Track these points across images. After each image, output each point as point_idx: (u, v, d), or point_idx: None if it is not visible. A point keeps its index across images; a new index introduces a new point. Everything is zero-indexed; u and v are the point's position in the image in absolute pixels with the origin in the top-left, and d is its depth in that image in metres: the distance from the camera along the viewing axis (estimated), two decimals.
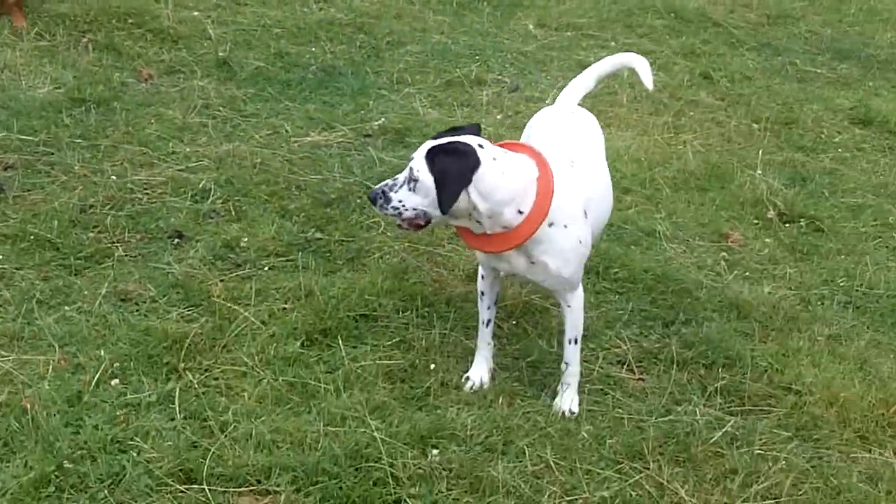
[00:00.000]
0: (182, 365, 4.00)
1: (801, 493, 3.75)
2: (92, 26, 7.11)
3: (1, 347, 4.02)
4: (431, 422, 3.81)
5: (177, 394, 3.82)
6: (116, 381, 3.87)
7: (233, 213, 5.13)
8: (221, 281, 4.56)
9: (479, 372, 4.15)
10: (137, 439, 3.57)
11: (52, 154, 5.46)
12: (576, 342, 4.03)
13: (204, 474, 3.43)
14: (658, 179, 6.02)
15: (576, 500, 3.58)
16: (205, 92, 6.48)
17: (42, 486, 3.33)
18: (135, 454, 3.51)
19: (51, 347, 4.03)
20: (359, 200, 5.37)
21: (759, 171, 6.27)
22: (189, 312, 4.35)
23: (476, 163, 3.59)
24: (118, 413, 3.69)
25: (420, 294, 4.59)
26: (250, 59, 7.02)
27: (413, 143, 6.03)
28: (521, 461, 3.71)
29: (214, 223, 5.04)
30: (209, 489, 3.39)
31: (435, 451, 3.68)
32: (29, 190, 5.13)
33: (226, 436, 3.64)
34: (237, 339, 4.20)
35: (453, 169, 3.56)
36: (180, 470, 3.46)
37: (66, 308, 4.29)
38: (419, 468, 3.58)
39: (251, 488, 3.46)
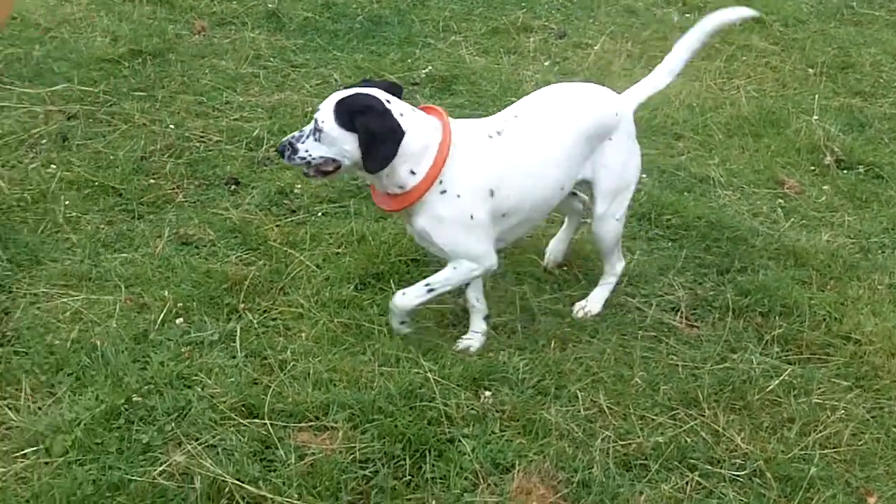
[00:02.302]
0: (242, 306, 4.13)
1: (860, 443, 3.76)
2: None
3: (70, 288, 4.17)
4: (483, 364, 3.90)
5: (238, 333, 3.95)
6: (181, 320, 4.01)
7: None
8: (277, 226, 4.67)
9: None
10: (201, 375, 3.70)
11: (113, 104, 5.59)
12: (429, 290, 3.91)
13: (265, 410, 3.56)
14: (711, 125, 6.02)
15: (629, 444, 3.63)
16: (256, 43, 6.59)
17: (112, 417, 3.49)
18: (199, 389, 3.64)
19: (117, 288, 4.17)
20: None
21: (816, 117, 6.22)
22: (247, 256, 4.48)
23: (395, 121, 3.61)
24: (183, 350, 3.83)
25: None
26: (298, 10, 7.10)
27: (460, 91, 6.13)
28: (573, 405, 3.77)
29: (269, 170, 5.16)
30: (270, 423, 3.52)
31: (487, 393, 3.78)
32: (91, 139, 5.27)
33: (285, 374, 3.76)
34: (293, 281, 4.32)
35: (381, 129, 3.59)
36: (242, 405, 3.59)
37: (131, 251, 4.44)
38: (472, 409, 3.68)
39: (310, 424, 3.58)
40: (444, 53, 6.69)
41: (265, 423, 3.52)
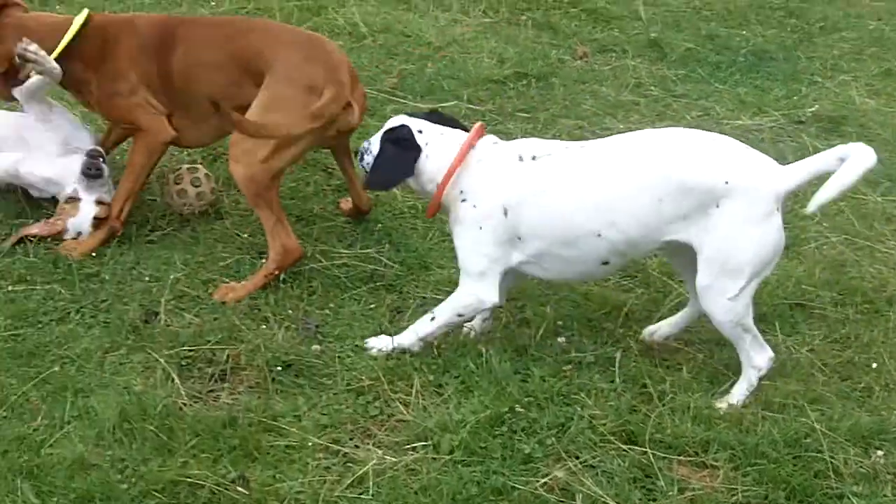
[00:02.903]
0: (620, 331, 4.16)
1: None
2: (531, 5, 7.44)
3: None
4: (874, 422, 3.72)
5: (617, 358, 3.97)
6: (562, 339, 4.09)
7: None
8: (656, 255, 4.67)
9: None
10: (581, 395, 3.75)
11: (498, 123, 5.80)
12: (432, 319, 3.98)
13: (645, 438, 3.56)
14: None
15: None
16: (636, 71, 6.63)
17: (496, 424, 3.60)
18: (579, 408, 3.69)
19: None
20: None
21: None
22: (625, 282, 4.51)
23: (415, 155, 3.93)
24: (563, 368, 3.90)
25: (859, 289, 4.50)
26: (679, 40, 7.07)
27: (849, 133, 5.89)
28: None
29: None
30: (652, 452, 3.52)
31: (879, 452, 3.61)
32: None
33: (664, 404, 3.75)
34: (670, 312, 4.29)
35: (393, 159, 3.96)
36: (622, 430, 3.61)
37: None
38: (861, 467, 3.53)
39: (689, 458, 3.55)
40: (831, 93, 6.46)
41: (645, 452, 3.52)
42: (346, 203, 4.93)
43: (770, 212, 3.64)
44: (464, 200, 3.89)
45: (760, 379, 3.84)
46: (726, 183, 3.60)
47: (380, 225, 4.84)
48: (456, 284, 4.23)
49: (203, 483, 3.33)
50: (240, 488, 3.32)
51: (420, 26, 6.96)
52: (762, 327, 4.17)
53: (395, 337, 4.00)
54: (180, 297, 4.27)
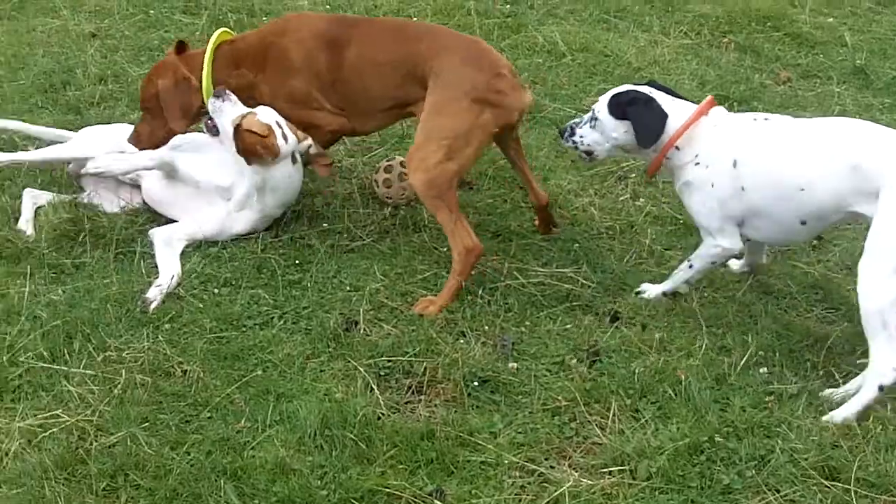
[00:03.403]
0: (823, 364, 4.03)
1: None
2: (733, 27, 7.34)
3: (653, 318, 4.32)
4: None
5: (817, 392, 3.87)
6: (764, 369, 3.99)
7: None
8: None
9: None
10: (783, 428, 3.66)
11: None
12: (690, 266, 4.39)
13: (850, 475, 3.44)
14: None
15: None
16: (841, 98, 6.44)
17: (695, 453, 3.54)
18: (780, 441, 3.60)
19: (699, 325, 4.25)
20: None
21: None
22: (829, 315, 4.37)
23: (660, 105, 4.27)
24: (765, 399, 3.81)
25: None
26: (886, 68, 6.83)
27: None
28: None
29: (852, 230, 4.99)
30: (854, 490, 3.40)
31: None
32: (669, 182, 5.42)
33: (868, 441, 3.61)
34: None
35: (647, 113, 4.27)
36: (824, 465, 3.50)
37: (710, 291, 4.53)
38: None
39: (893, 498, 3.41)
40: None
41: (848, 489, 3.40)
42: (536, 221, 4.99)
43: None
44: (697, 164, 4.21)
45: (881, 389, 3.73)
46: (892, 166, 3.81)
47: (577, 245, 4.84)
48: (655, 307, 4.24)
49: (401, 494, 3.39)
50: (437, 501, 3.37)
51: (620, 46, 6.95)
52: None
53: (661, 285, 4.46)
54: (379, 307, 4.36)
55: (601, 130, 4.38)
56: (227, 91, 4.72)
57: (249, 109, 4.70)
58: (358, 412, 3.69)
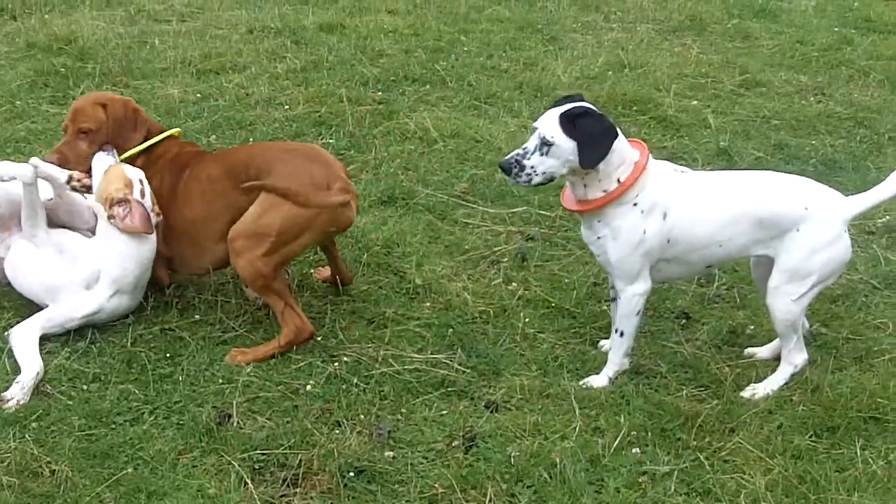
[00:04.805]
0: (694, 442, 4.11)
1: None
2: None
3: (527, 402, 4.35)
4: None
5: (689, 470, 3.94)
6: (636, 449, 4.04)
7: (737, 299, 5.21)
8: (728, 366, 4.64)
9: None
10: None
11: (568, 230, 5.84)
12: (621, 335, 4.43)
13: None
14: None
15: None
16: None
17: None
18: None
19: (571, 408, 4.29)
20: (864, 299, 5.27)
21: None
22: (699, 392, 4.47)
23: (610, 122, 4.18)
24: (639, 479, 3.86)
25: None
26: (749, 149, 7.08)
27: None
28: None
29: (719, 307, 5.15)
30: None
31: None
32: (548, 261, 5.53)
33: None
34: (743, 423, 4.24)
35: (598, 129, 4.13)
36: None
37: (583, 373, 4.57)
38: None
39: None
40: None
41: None
42: (324, 271, 5.16)
43: (839, 234, 4.31)
44: (635, 205, 4.23)
45: (792, 376, 4.45)
46: (805, 209, 4.27)
47: (451, 330, 4.86)
48: (530, 392, 4.27)
49: None
50: None
51: (490, 131, 7.08)
52: (834, 440, 4.15)
53: (603, 371, 4.48)
54: (253, 399, 4.31)
55: (556, 155, 4.16)
56: (114, 149, 4.85)
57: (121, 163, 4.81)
58: None
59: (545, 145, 4.15)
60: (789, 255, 4.30)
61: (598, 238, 4.34)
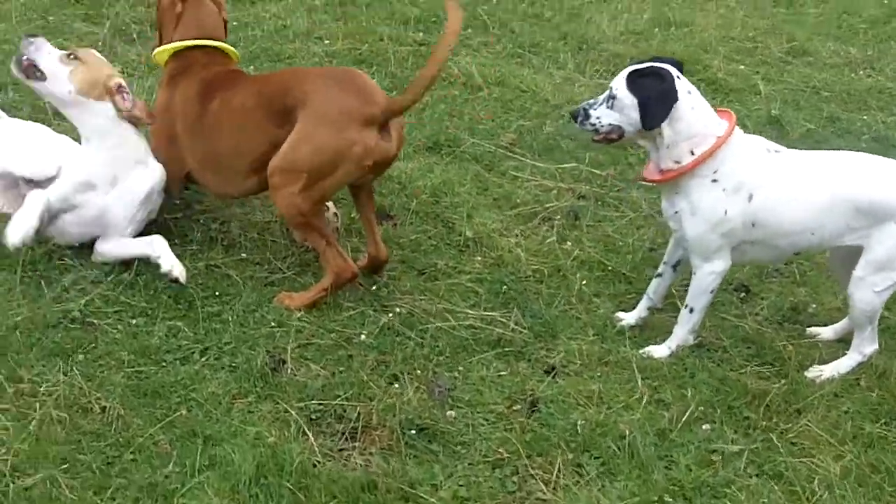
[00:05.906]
0: (763, 422, 3.98)
1: None
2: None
3: (587, 367, 4.21)
4: None
5: (759, 451, 3.82)
6: (707, 426, 3.92)
7: (796, 275, 5.07)
8: (791, 344, 4.50)
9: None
10: (731, 489, 3.59)
11: (620, 190, 5.69)
12: (690, 311, 4.31)
13: None
14: None
15: None
16: None
17: None
18: (727, 502, 3.53)
19: (632, 378, 4.15)
20: None
21: None
22: (763, 370, 4.33)
23: (674, 86, 3.99)
24: (710, 457, 3.74)
25: None
26: (800, 119, 6.91)
27: None
28: None
29: (778, 282, 5.01)
30: None
31: None
32: (601, 221, 5.37)
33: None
34: (810, 405, 4.11)
35: (658, 90, 3.98)
36: None
37: (641, 341, 4.44)
38: None
39: None
40: None
41: None
42: (363, 261, 4.72)
43: None
44: (714, 181, 4.07)
45: (859, 364, 4.34)
46: None
47: (505, 287, 4.70)
48: (589, 357, 4.15)
49: None
50: None
51: (536, 82, 6.89)
52: None
53: (665, 343, 4.35)
54: (305, 345, 4.15)
55: (620, 110, 4.09)
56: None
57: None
58: (293, 459, 3.47)
59: (611, 98, 4.11)
60: (881, 247, 4.13)
61: (676, 212, 4.19)
